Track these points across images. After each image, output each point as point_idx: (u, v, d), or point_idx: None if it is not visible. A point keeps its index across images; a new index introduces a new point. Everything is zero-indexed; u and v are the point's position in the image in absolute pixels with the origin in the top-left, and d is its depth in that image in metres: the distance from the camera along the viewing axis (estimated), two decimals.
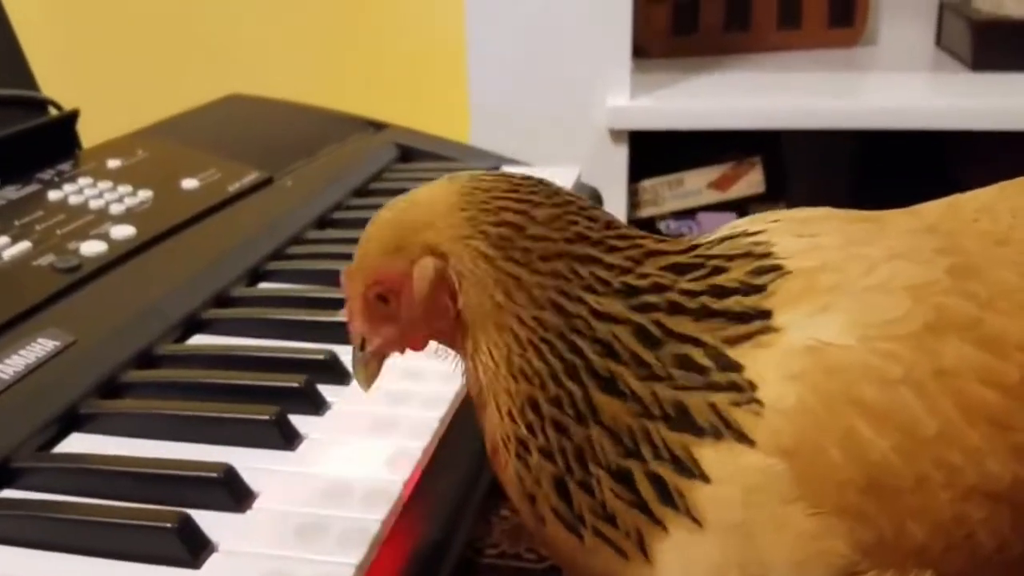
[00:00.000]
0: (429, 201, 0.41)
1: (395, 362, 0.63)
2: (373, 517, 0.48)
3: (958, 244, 0.43)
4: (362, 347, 0.45)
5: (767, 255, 0.42)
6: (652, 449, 0.38)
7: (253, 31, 1.47)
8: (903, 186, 1.26)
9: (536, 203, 0.41)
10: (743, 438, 0.38)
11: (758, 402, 0.38)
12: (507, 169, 0.93)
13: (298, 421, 0.56)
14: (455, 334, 0.42)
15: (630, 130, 1.13)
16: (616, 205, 1.13)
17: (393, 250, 0.41)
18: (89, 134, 0.92)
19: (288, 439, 0.54)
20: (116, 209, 0.75)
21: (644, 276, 0.40)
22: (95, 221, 0.73)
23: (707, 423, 0.38)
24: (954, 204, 0.47)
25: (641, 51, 1.26)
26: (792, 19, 1.31)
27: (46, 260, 0.67)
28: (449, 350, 0.45)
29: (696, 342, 0.39)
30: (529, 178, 0.42)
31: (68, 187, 0.78)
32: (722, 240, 0.45)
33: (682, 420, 0.38)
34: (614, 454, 0.39)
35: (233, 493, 0.49)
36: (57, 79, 0.96)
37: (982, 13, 1.17)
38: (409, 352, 0.46)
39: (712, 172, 1.18)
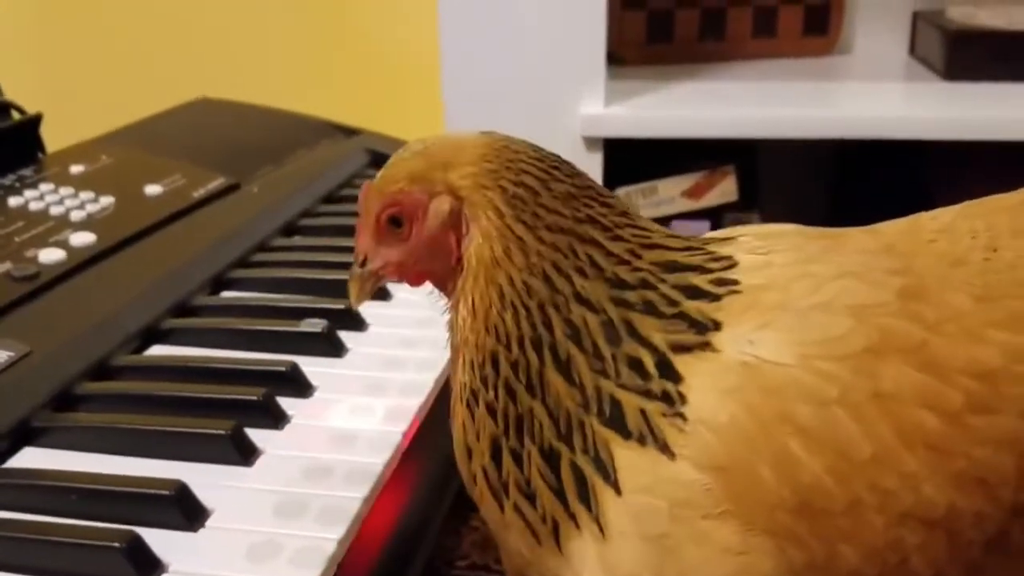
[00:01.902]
0: (461, 145, 0.42)
1: (357, 374, 0.62)
2: (330, 536, 0.47)
3: (912, 265, 0.42)
4: (362, 264, 0.45)
5: (731, 266, 0.42)
6: (582, 439, 0.39)
7: (225, 36, 1.46)
8: (877, 195, 1.26)
9: (557, 178, 0.41)
10: (665, 449, 0.38)
11: (682, 416, 0.38)
12: None
13: (256, 435, 0.55)
14: (450, 276, 0.43)
15: (604, 138, 1.12)
16: None
17: (418, 178, 0.42)
18: (56, 138, 0.91)
19: (245, 454, 0.53)
20: (77, 216, 0.74)
21: (637, 270, 0.40)
22: (55, 228, 0.72)
23: (635, 428, 0.38)
24: (915, 224, 0.46)
25: (616, 59, 1.25)
26: (767, 28, 1.30)
27: (2, 268, 0.65)
28: (440, 292, 0.45)
29: (651, 347, 0.39)
30: (556, 156, 0.43)
31: (29, 193, 0.77)
32: (718, 242, 0.44)
33: (615, 418, 0.39)
34: (549, 433, 0.39)
35: (185, 511, 0.48)
36: (21, 83, 0.94)
37: (955, 23, 1.17)
38: (403, 284, 0.46)
39: (686, 181, 1.18)
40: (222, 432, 0.53)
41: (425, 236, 0.42)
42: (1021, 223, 0.44)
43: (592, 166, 1.13)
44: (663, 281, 0.40)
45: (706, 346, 0.39)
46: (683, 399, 0.38)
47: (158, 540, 0.46)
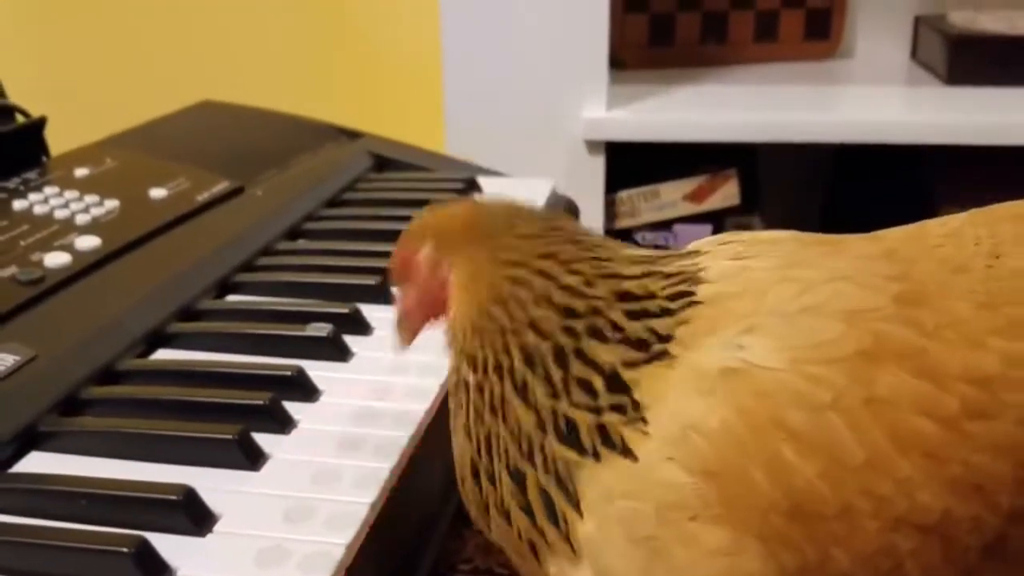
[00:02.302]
0: (452, 209, 0.49)
1: (361, 378, 0.62)
2: (338, 541, 0.47)
3: (913, 271, 0.42)
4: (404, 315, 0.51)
5: (692, 279, 0.43)
6: (543, 459, 0.41)
7: (226, 39, 1.46)
8: (878, 199, 1.27)
9: (524, 221, 0.46)
10: (628, 453, 0.39)
11: (644, 420, 0.39)
12: (481, 179, 0.92)
13: (263, 440, 0.55)
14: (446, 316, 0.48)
15: (606, 141, 1.12)
16: (593, 216, 1.13)
17: (415, 234, 0.49)
18: (60, 141, 0.91)
19: (252, 459, 0.53)
20: (82, 219, 0.74)
21: (587, 299, 0.43)
22: (60, 232, 0.72)
23: (589, 444, 0.40)
24: (921, 229, 0.46)
25: (618, 63, 1.26)
26: (768, 32, 1.31)
27: (8, 272, 0.65)
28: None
29: (598, 368, 0.41)
30: (536, 209, 0.49)
31: (33, 196, 0.77)
32: (680, 257, 0.46)
33: (570, 437, 0.41)
34: (514, 453, 0.42)
35: (193, 516, 0.48)
36: (24, 86, 0.95)
37: (957, 28, 1.18)
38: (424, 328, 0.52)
39: (688, 184, 1.18)
40: (229, 437, 0.53)
41: (419, 281, 0.49)
42: None
43: (594, 169, 1.14)
44: (611, 308, 0.42)
45: (663, 356, 0.40)
46: (637, 406, 0.40)
47: (166, 545, 0.46)
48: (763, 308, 0.40)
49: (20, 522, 0.48)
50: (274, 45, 1.46)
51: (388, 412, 0.58)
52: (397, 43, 1.41)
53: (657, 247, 1.13)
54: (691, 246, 0.47)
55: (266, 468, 0.53)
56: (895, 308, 0.40)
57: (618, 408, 0.40)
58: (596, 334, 0.41)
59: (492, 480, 0.42)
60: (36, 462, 0.53)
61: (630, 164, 1.16)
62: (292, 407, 0.58)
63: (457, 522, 0.79)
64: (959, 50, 1.15)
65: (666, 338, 0.40)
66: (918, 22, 1.28)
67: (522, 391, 0.42)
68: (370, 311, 0.69)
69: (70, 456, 0.54)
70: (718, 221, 1.20)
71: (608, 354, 0.41)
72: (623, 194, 1.18)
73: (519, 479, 0.41)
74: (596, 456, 0.40)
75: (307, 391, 0.60)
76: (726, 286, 0.42)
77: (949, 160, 1.17)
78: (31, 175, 0.81)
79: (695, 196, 1.18)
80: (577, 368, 0.41)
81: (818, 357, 0.38)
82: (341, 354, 0.64)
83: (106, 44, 1.48)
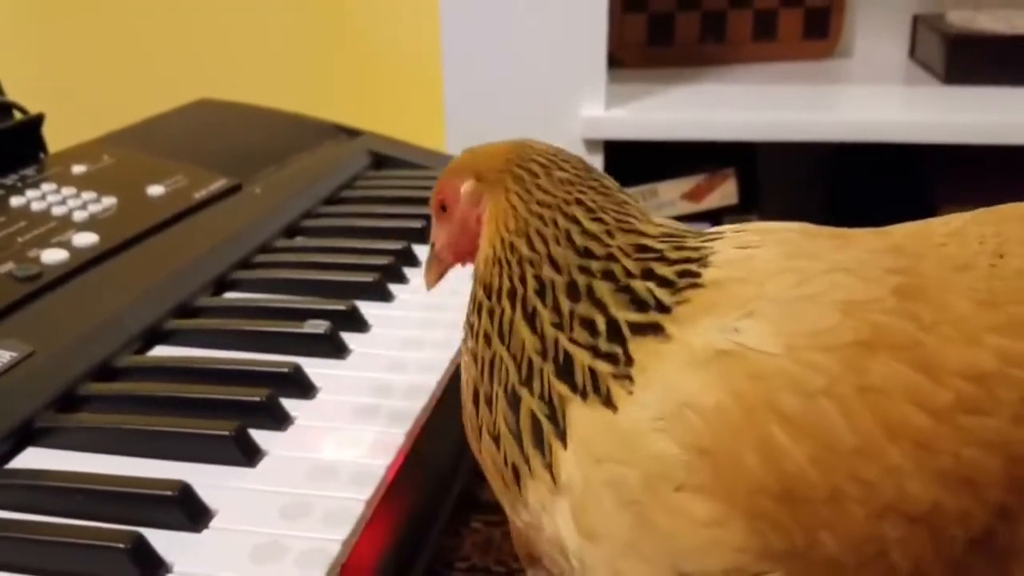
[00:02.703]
0: (495, 146, 0.50)
1: (361, 375, 0.63)
2: (334, 537, 0.47)
3: (916, 266, 0.43)
4: (433, 247, 0.52)
5: (700, 261, 0.43)
6: (540, 385, 0.42)
7: (226, 37, 1.46)
8: (877, 198, 1.27)
9: (561, 167, 0.47)
10: (608, 403, 0.40)
11: (630, 379, 0.40)
12: None
13: (260, 436, 0.55)
14: (477, 252, 0.49)
15: (604, 140, 1.12)
16: None
17: (456, 170, 0.50)
18: (57, 138, 0.91)
19: (248, 455, 0.53)
20: (79, 216, 0.74)
21: (607, 246, 0.44)
22: (57, 228, 0.72)
23: (582, 382, 0.41)
24: (926, 227, 0.46)
25: (617, 61, 1.26)
26: (767, 31, 1.31)
27: (5, 268, 0.65)
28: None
29: (603, 310, 0.42)
30: (572, 155, 0.49)
31: (31, 193, 0.77)
32: (696, 236, 0.46)
33: (565, 370, 0.42)
34: (513, 376, 0.43)
35: (189, 512, 0.48)
36: (22, 83, 0.95)
37: (955, 27, 1.18)
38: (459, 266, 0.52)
39: (686, 183, 1.18)
40: (226, 433, 0.53)
41: (459, 215, 0.49)
42: None
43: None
44: (627, 256, 0.44)
45: (657, 329, 0.41)
46: (629, 361, 0.41)
47: (162, 541, 0.46)
48: (763, 295, 0.41)
49: (16, 518, 0.48)
50: (274, 44, 1.46)
51: (385, 409, 0.58)
52: (397, 42, 1.41)
53: None
54: (714, 230, 0.48)
55: (262, 464, 0.53)
56: (894, 301, 0.40)
57: (610, 357, 0.41)
58: (608, 276, 0.43)
59: (489, 403, 0.44)
60: (33, 458, 0.53)
61: (628, 163, 1.15)
62: (289, 404, 0.58)
63: (454, 521, 0.79)
64: (957, 49, 1.15)
65: (664, 308, 0.42)
66: (916, 21, 1.28)
67: (530, 318, 0.43)
68: (368, 308, 0.69)
69: (67, 452, 0.54)
70: (716, 220, 1.20)
71: (612, 300, 0.42)
72: None
73: (514, 402, 0.43)
74: (584, 395, 0.41)
75: (304, 388, 0.60)
76: (730, 272, 0.42)
77: (948, 159, 1.17)
78: (29, 172, 0.81)
79: (693, 195, 1.18)
80: (584, 306, 0.43)
81: (814, 344, 0.39)
82: (338, 351, 0.64)
83: (105, 42, 1.48)
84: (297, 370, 0.60)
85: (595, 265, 0.43)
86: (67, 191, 0.78)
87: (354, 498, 0.50)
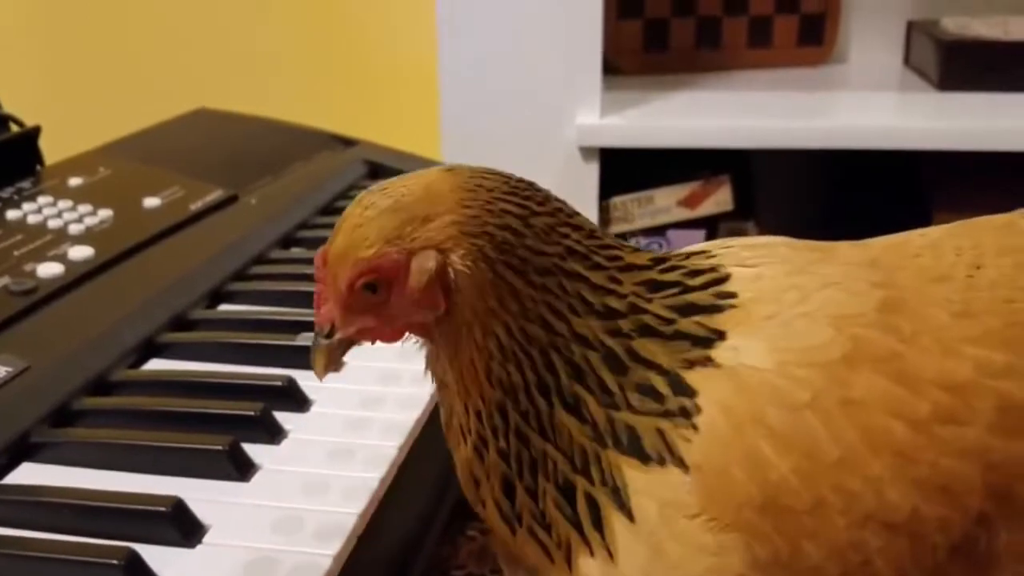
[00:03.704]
0: (433, 192, 0.40)
1: (353, 388, 0.63)
2: (326, 552, 0.48)
3: (894, 279, 0.43)
4: (328, 335, 0.43)
5: (724, 280, 0.43)
6: (599, 473, 0.39)
7: (224, 49, 1.46)
8: (872, 205, 1.27)
9: (534, 211, 0.40)
10: (681, 464, 0.38)
11: (694, 427, 0.39)
12: None
13: (253, 450, 0.55)
14: (435, 330, 0.41)
15: (600, 148, 1.13)
16: None
17: (394, 238, 0.39)
18: (53, 150, 0.91)
19: (242, 470, 0.54)
20: (75, 229, 0.74)
21: (623, 296, 0.40)
22: (53, 242, 0.72)
23: (654, 450, 0.39)
24: (903, 240, 0.47)
25: (612, 68, 1.26)
26: (762, 38, 1.31)
27: (1, 282, 0.66)
28: (420, 341, 0.44)
29: (659, 369, 0.40)
30: (522, 180, 0.42)
31: (27, 206, 0.77)
32: (687, 257, 0.45)
33: (632, 445, 0.39)
34: (565, 469, 0.40)
35: (182, 528, 0.49)
36: (18, 95, 0.95)
37: (950, 34, 1.18)
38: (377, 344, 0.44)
39: (681, 190, 1.18)
40: (219, 448, 0.53)
41: (407, 297, 0.40)
42: (1007, 242, 0.45)
43: (588, 176, 1.14)
44: (650, 302, 0.40)
45: (709, 360, 0.40)
46: (698, 410, 0.39)
47: (155, 556, 0.47)
48: (775, 312, 0.41)
49: (9, 534, 0.48)
50: (270, 53, 1.46)
51: (379, 422, 0.59)
52: (393, 51, 1.42)
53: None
54: (689, 249, 0.47)
55: (256, 479, 0.54)
56: (876, 315, 0.41)
57: (683, 413, 0.39)
58: (647, 331, 0.40)
59: (532, 495, 0.40)
60: (28, 474, 0.54)
61: (624, 170, 1.16)
62: (283, 417, 0.58)
63: (450, 528, 0.79)
64: (952, 56, 1.15)
65: (719, 335, 0.40)
66: (911, 28, 1.28)
67: (575, 407, 0.39)
68: None
69: (62, 467, 0.54)
70: (712, 227, 1.20)
71: (664, 352, 0.40)
72: (617, 200, 1.18)
73: (569, 492, 0.40)
74: (661, 463, 0.39)
75: (298, 401, 0.60)
76: (748, 291, 0.42)
77: (943, 166, 1.17)
78: (25, 184, 0.82)
79: (689, 202, 1.18)
80: (636, 373, 0.39)
81: (804, 360, 0.39)
82: None
83: (100, 52, 1.48)
84: (291, 383, 0.60)
85: (625, 324, 0.40)
86: (63, 204, 0.78)
87: (346, 512, 0.50)
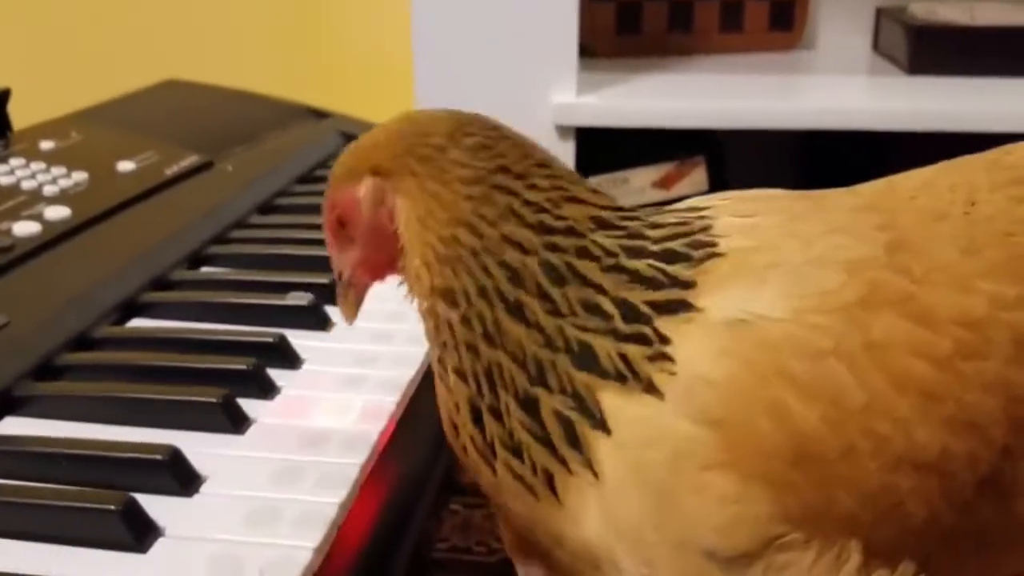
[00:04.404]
0: (381, 128, 0.44)
1: (346, 347, 0.61)
2: (330, 500, 0.46)
3: (896, 221, 0.43)
4: (339, 277, 0.47)
5: (705, 231, 0.42)
6: (557, 380, 0.39)
7: (193, 26, 1.43)
8: (842, 186, 1.28)
9: (468, 132, 0.42)
10: (652, 390, 0.38)
11: (670, 359, 0.38)
12: None
13: (246, 405, 0.54)
14: (399, 259, 0.43)
15: (576, 127, 1.12)
16: None
17: (347, 174, 0.43)
18: (18, 117, 0.88)
19: (236, 422, 0.52)
20: (50, 190, 0.72)
21: (561, 219, 0.40)
22: (28, 202, 0.70)
23: (611, 367, 0.38)
24: (891, 183, 0.47)
25: (586, 51, 1.26)
26: (733, 22, 1.32)
27: None
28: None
29: (600, 289, 0.39)
30: (475, 115, 0.43)
31: None
32: (662, 212, 0.44)
33: (586, 359, 0.39)
34: (521, 380, 0.39)
35: (179, 476, 0.47)
36: None
37: (918, 19, 1.19)
38: (379, 284, 0.47)
39: (656, 171, 1.19)
40: (213, 400, 0.52)
41: (365, 225, 0.43)
42: (997, 178, 0.45)
43: (565, 154, 1.13)
44: (592, 231, 0.40)
45: (684, 307, 0.39)
46: (664, 340, 0.38)
47: (152, 506, 0.45)
48: (777, 260, 0.40)
49: (3, 483, 0.46)
50: (241, 29, 1.43)
51: (374, 378, 0.57)
52: (367, 28, 1.40)
53: None
54: (684, 203, 0.47)
55: (251, 432, 0.52)
56: (886, 256, 0.41)
57: (639, 338, 0.38)
58: (585, 254, 0.39)
59: (498, 415, 0.40)
60: (11, 426, 0.52)
61: (600, 151, 1.16)
62: (275, 374, 0.57)
63: (434, 503, 0.78)
64: (921, 40, 1.17)
65: (685, 284, 0.40)
66: (879, 13, 1.30)
67: (517, 310, 0.39)
68: None
69: (47, 421, 0.52)
70: None
71: (608, 281, 0.39)
72: (593, 180, 1.17)
73: (531, 406, 0.39)
74: (621, 379, 0.38)
75: (290, 358, 0.59)
76: (742, 240, 0.41)
77: (911, 149, 1.18)
78: None
79: (664, 182, 1.19)
80: (575, 287, 0.39)
81: (820, 306, 0.39)
82: (322, 323, 0.63)
83: (68, 21, 1.44)
84: (282, 340, 0.59)
85: (562, 241, 0.39)
86: (36, 166, 0.76)
87: (349, 463, 0.49)
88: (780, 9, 1.31)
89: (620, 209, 0.43)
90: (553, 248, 0.40)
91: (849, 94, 1.20)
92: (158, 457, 0.47)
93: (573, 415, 0.39)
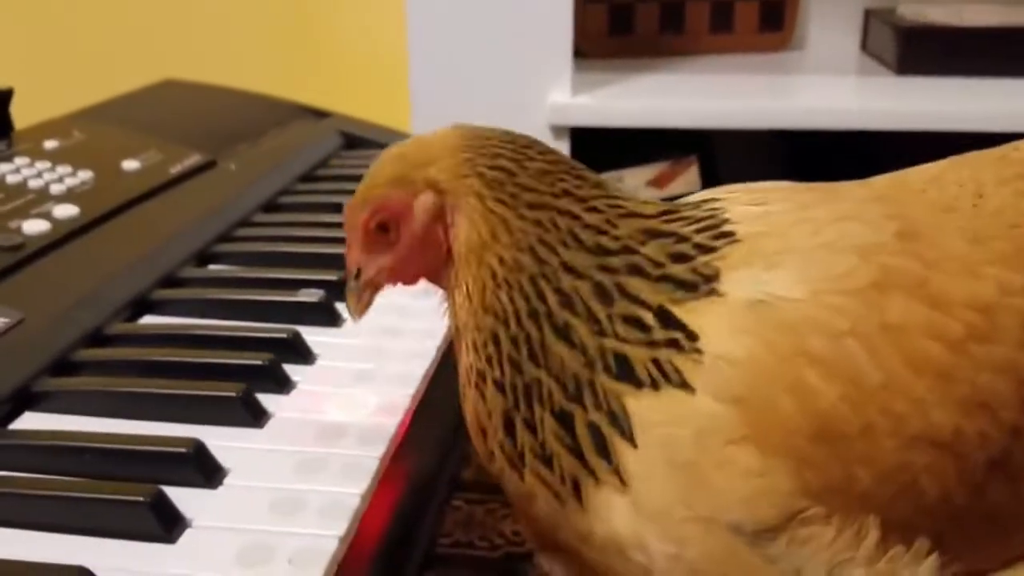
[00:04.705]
0: (434, 142, 0.45)
1: (358, 342, 0.62)
2: (353, 490, 0.47)
3: (906, 211, 0.45)
4: (356, 276, 0.47)
5: (723, 221, 0.44)
6: (593, 396, 0.41)
7: (190, 23, 1.43)
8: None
9: (530, 156, 0.43)
10: (685, 385, 0.39)
11: (698, 351, 0.40)
12: None
13: (263, 400, 0.54)
14: (443, 269, 0.45)
15: (571, 127, 1.13)
16: None
17: (399, 182, 0.44)
18: (18, 116, 0.88)
19: (255, 416, 0.53)
20: (57, 189, 0.72)
21: (616, 239, 0.42)
22: (36, 200, 0.70)
23: (646, 375, 0.40)
24: (902, 177, 0.49)
25: (578, 51, 1.27)
26: (724, 23, 1.33)
27: None
28: (436, 287, 0.47)
29: (645, 304, 0.41)
30: (526, 137, 0.45)
31: (4, 166, 0.75)
32: (695, 206, 0.46)
33: (622, 371, 0.40)
34: (559, 396, 0.41)
35: (203, 469, 0.48)
36: None
37: (907, 20, 1.21)
38: (399, 287, 0.48)
39: (650, 170, 1.20)
40: (232, 394, 0.52)
41: (414, 235, 0.44)
42: (1004, 173, 0.47)
43: None
44: (643, 244, 0.42)
45: (710, 292, 0.41)
46: (694, 337, 0.40)
47: (177, 497, 0.46)
48: (787, 246, 0.42)
49: (33, 476, 0.47)
50: (238, 29, 1.44)
51: (387, 373, 0.58)
52: (362, 30, 1.41)
53: None
54: (698, 195, 0.49)
55: (270, 426, 0.53)
56: (897, 243, 0.42)
57: (672, 343, 0.40)
58: (635, 271, 0.42)
59: (532, 428, 0.41)
60: (31, 422, 0.52)
61: (595, 150, 1.17)
62: (290, 369, 0.57)
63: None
64: (909, 41, 1.19)
65: (712, 277, 0.41)
66: (868, 15, 1.31)
67: (564, 332, 0.41)
68: None
69: (66, 416, 0.53)
70: None
71: (653, 292, 0.41)
72: None
73: (566, 420, 0.41)
74: (655, 386, 0.40)
75: (304, 354, 0.59)
76: (754, 227, 0.43)
77: (900, 148, 1.20)
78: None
79: (658, 181, 1.20)
80: (622, 305, 0.41)
81: (835, 288, 0.40)
82: (333, 319, 0.64)
83: (65, 22, 1.44)
84: (296, 335, 0.60)
85: (615, 261, 0.42)
86: (41, 165, 0.76)
87: (368, 455, 0.50)
88: (770, 10, 1.33)
89: (667, 213, 0.44)
90: (606, 269, 0.41)
91: (838, 95, 1.21)
92: (183, 450, 0.48)
93: (605, 427, 0.40)
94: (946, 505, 0.40)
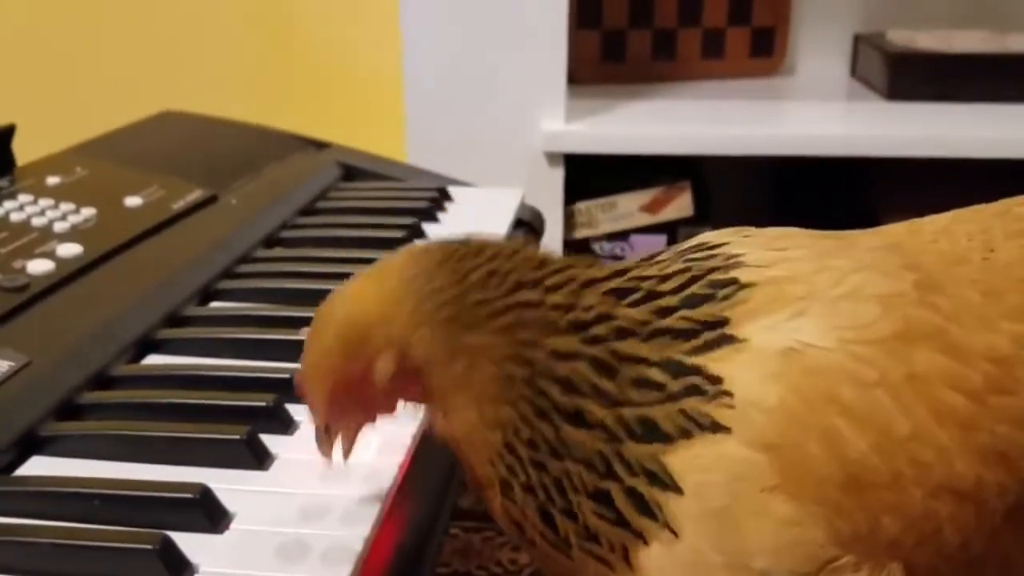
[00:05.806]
0: (375, 298, 0.45)
1: None
2: (356, 534, 0.48)
3: (920, 262, 0.46)
4: (326, 430, 0.48)
5: (735, 267, 0.45)
6: (626, 468, 0.41)
7: (183, 53, 1.45)
8: (822, 209, 1.32)
9: (469, 268, 0.43)
10: (719, 428, 0.40)
11: (727, 394, 0.40)
12: (451, 189, 0.94)
13: (267, 441, 0.55)
14: (425, 397, 0.46)
15: (565, 153, 1.15)
16: (552, 226, 1.15)
17: (355, 351, 0.44)
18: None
19: (260, 459, 0.54)
20: (60, 227, 0.73)
21: (588, 309, 0.43)
22: (39, 239, 0.71)
23: (674, 428, 0.40)
24: (914, 226, 0.50)
25: (571, 77, 1.28)
26: (715, 49, 1.35)
27: None
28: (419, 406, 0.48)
29: (646, 362, 0.42)
30: (454, 243, 0.45)
31: (8, 204, 0.76)
32: (657, 262, 0.47)
33: (648, 432, 0.41)
34: (591, 479, 0.41)
35: (210, 514, 0.48)
36: None
37: (896, 46, 1.23)
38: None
39: (644, 196, 1.21)
40: (237, 437, 0.53)
41: (380, 392, 0.45)
42: (1010, 228, 0.48)
43: (554, 181, 1.16)
44: (615, 307, 0.43)
45: (725, 340, 0.42)
46: (716, 380, 0.41)
47: (183, 543, 0.46)
48: (811, 293, 0.43)
49: (39, 523, 0.47)
50: (232, 59, 1.45)
51: None
52: (358, 59, 1.42)
53: (615, 257, 1.16)
54: (696, 240, 0.50)
55: (274, 468, 0.54)
56: (917, 294, 0.43)
57: (693, 390, 0.40)
58: (622, 333, 0.42)
59: (571, 515, 0.42)
60: (38, 467, 0.53)
61: (588, 176, 1.18)
62: (292, 409, 0.58)
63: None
64: (898, 67, 1.21)
65: (717, 323, 0.42)
66: (857, 40, 1.33)
67: (577, 418, 0.41)
68: None
69: (72, 460, 0.53)
70: (672, 231, 1.23)
71: (649, 348, 0.42)
72: (581, 205, 1.20)
73: (603, 498, 0.41)
74: (686, 435, 0.40)
75: None
76: (777, 271, 0.44)
77: (889, 173, 1.22)
78: (2, 183, 0.80)
79: (651, 207, 1.21)
80: (625, 370, 0.41)
81: (861, 338, 0.41)
82: None
83: (61, 55, 1.45)
84: None
85: (599, 330, 0.42)
86: (45, 202, 0.77)
87: (372, 496, 0.51)
88: (761, 36, 1.35)
89: (621, 273, 0.45)
90: (594, 341, 0.42)
91: (828, 120, 1.23)
92: (190, 495, 0.48)
93: (644, 488, 0.40)
94: (965, 552, 0.41)
